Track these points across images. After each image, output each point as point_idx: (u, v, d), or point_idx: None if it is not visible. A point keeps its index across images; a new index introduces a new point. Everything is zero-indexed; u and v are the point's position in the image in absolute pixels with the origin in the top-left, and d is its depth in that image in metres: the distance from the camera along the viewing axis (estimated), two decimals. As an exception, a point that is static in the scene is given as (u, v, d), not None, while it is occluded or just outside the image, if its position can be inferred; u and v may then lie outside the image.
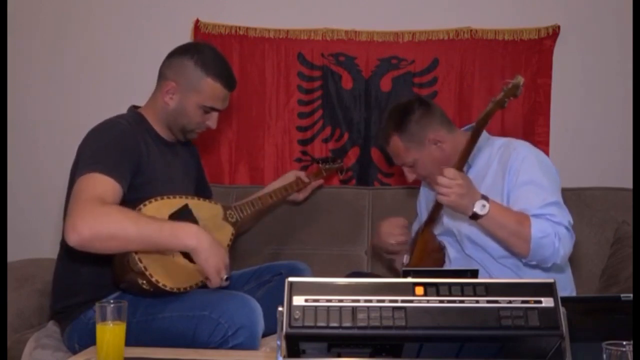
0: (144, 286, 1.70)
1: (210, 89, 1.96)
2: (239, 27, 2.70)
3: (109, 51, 2.74)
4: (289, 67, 2.69)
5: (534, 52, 2.60)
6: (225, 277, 1.77)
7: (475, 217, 1.82)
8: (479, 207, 1.80)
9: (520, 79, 1.76)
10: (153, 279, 1.69)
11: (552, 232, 1.82)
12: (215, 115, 2.02)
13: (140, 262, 1.69)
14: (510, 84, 1.77)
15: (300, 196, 2.42)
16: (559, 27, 2.59)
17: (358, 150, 2.69)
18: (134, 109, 2.02)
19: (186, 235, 1.72)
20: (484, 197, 1.82)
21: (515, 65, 2.61)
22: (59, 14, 2.77)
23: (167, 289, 1.72)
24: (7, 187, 2.34)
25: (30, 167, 2.76)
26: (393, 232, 2.17)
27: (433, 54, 2.64)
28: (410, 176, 2.12)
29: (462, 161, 1.90)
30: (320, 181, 2.49)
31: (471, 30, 2.62)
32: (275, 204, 2.35)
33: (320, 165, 2.56)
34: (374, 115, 2.67)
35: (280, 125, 2.70)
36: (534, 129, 2.58)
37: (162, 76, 1.99)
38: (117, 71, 2.73)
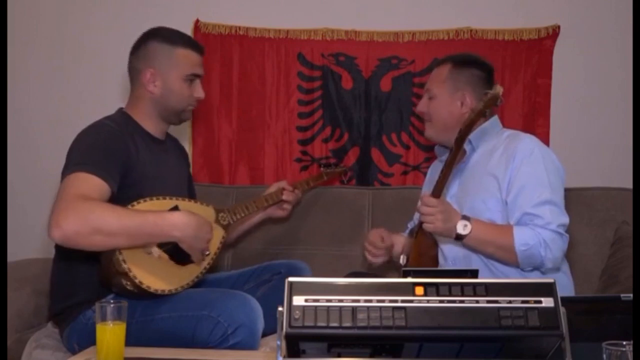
0: (128, 287, 1.69)
1: (184, 57, 1.96)
2: (239, 27, 2.70)
3: (109, 51, 2.74)
4: (289, 67, 2.70)
5: (534, 52, 2.61)
6: (207, 253, 1.84)
7: (459, 237, 1.84)
8: (461, 228, 1.82)
9: (499, 89, 1.79)
10: (137, 280, 1.68)
11: (537, 242, 1.82)
12: (198, 83, 2.01)
13: (125, 262, 1.67)
14: (489, 94, 1.79)
15: (283, 213, 2.33)
16: (559, 27, 2.59)
17: (358, 150, 2.69)
18: (122, 111, 2.01)
19: (169, 226, 1.72)
20: (465, 217, 1.84)
21: (515, 65, 2.61)
22: (59, 14, 2.77)
23: (151, 290, 1.71)
24: (7, 187, 2.34)
25: (30, 167, 2.76)
26: (372, 251, 2.14)
27: (433, 54, 2.64)
28: (422, 106, 2.11)
29: (447, 174, 1.89)
30: (299, 194, 2.36)
31: (471, 30, 2.63)
32: (270, 205, 2.29)
33: (322, 169, 2.55)
34: (374, 115, 2.68)
35: (280, 125, 2.71)
36: (534, 129, 2.57)
37: (135, 71, 1.98)
38: (117, 71, 2.70)
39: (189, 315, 1.71)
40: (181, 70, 1.95)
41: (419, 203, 1.88)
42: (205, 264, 1.88)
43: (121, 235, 1.66)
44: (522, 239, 1.83)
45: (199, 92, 2.00)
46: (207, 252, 1.85)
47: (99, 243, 1.66)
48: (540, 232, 1.83)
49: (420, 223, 2.06)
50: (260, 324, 1.73)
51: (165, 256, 1.77)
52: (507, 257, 1.86)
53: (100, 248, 1.69)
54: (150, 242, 1.74)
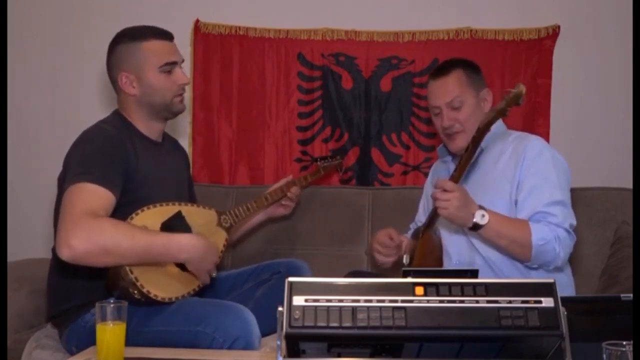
0: (136, 296, 1.70)
1: (152, 48, 1.90)
2: (239, 27, 2.70)
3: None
4: (289, 67, 2.70)
5: (534, 52, 2.60)
6: (213, 275, 1.86)
7: (475, 227, 1.82)
8: (479, 217, 1.80)
9: (522, 88, 1.75)
10: (144, 290, 1.69)
11: (552, 237, 1.82)
12: (178, 70, 1.94)
13: (132, 272, 1.68)
14: (512, 93, 1.77)
15: (285, 210, 2.35)
16: (559, 27, 2.59)
17: (358, 150, 2.69)
18: (117, 112, 1.98)
19: (178, 249, 1.74)
20: (482, 207, 1.82)
21: (515, 65, 2.61)
22: (60, 14, 2.77)
23: (159, 299, 1.72)
24: (8, 187, 2.34)
25: (30, 166, 2.76)
26: (382, 251, 2.14)
27: (433, 54, 2.64)
28: (447, 120, 2.02)
29: (461, 171, 1.89)
30: (298, 189, 2.35)
31: (471, 30, 2.62)
32: (271, 204, 2.30)
33: (318, 162, 2.55)
34: (374, 115, 2.68)
35: (280, 125, 2.71)
36: (534, 129, 2.57)
37: (113, 81, 1.95)
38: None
39: (185, 330, 1.71)
40: (153, 63, 1.90)
41: (434, 189, 1.84)
42: None
43: (130, 256, 1.67)
44: (540, 233, 1.82)
45: (181, 78, 1.94)
46: (214, 275, 1.86)
47: (107, 262, 1.68)
48: (554, 228, 1.84)
49: (428, 222, 2.06)
50: (256, 335, 1.73)
51: (172, 264, 1.79)
52: (520, 252, 1.85)
53: (108, 266, 1.70)
54: (158, 263, 1.75)
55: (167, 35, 1.95)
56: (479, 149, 2.03)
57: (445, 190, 1.80)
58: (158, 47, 1.91)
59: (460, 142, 2.02)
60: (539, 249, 1.82)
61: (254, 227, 2.38)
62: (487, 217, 1.80)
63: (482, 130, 1.84)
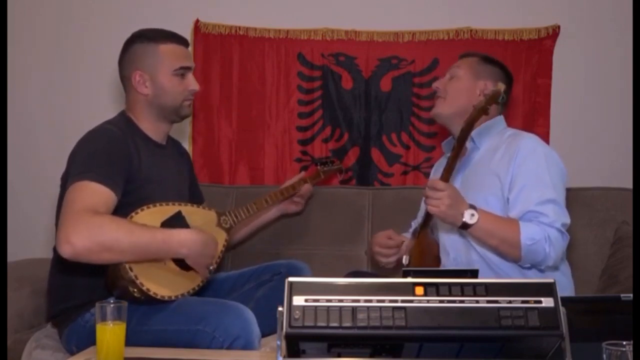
0: (135, 294, 1.70)
1: (169, 51, 1.94)
2: (239, 27, 2.70)
3: (109, 51, 2.73)
4: (289, 67, 2.70)
5: (534, 52, 2.60)
6: (211, 268, 1.86)
7: (465, 226, 1.82)
8: (468, 216, 1.81)
9: (501, 87, 1.79)
10: (144, 288, 1.69)
11: (542, 237, 1.82)
12: (191, 75, 1.98)
13: (131, 270, 1.68)
14: (491, 90, 1.79)
15: (297, 207, 2.39)
16: (559, 27, 2.59)
17: (358, 150, 2.69)
18: (123, 113, 2.00)
19: (178, 244, 1.75)
20: (472, 207, 1.82)
21: (515, 65, 2.60)
22: (60, 14, 2.77)
23: (158, 297, 1.72)
24: (8, 187, 2.34)
25: (30, 166, 2.76)
26: (383, 252, 2.15)
27: (433, 54, 2.64)
28: (439, 83, 2.13)
29: (450, 170, 1.90)
30: (309, 187, 2.39)
31: (471, 30, 2.63)
32: (271, 206, 2.32)
33: (318, 167, 2.55)
34: (374, 115, 2.68)
35: (280, 125, 2.71)
36: (534, 129, 2.57)
37: (125, 79, 1.98)
38: (117, 71, 2.72)
39: (184, 329, 1.71)
40: (168, 66, 1.93)
41: (426, 188, 1.85)
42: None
43: (130, 253, 1.68)
44: (529, 233, 1.82)
45: (192, 84, 1.98)
46: (212, 268, 1.87)
47: (108, 259, 1.68)
48: (545, 228, 1.83)
49: (423, 222, 2.07)
50: (256, 334, 1.73)
51: (172, 263, 1.80)
52: (510, 251, 1.85)
53: (108, 263, 1.70)
54: (158, 258, 1.76)
55: (183, 41, 2.00)
56: (471, 145, 2.03)
57: (436, 190, 1.81)
58: (174, 50, 1.95)
59: (437, 108, 2.10)
60: (528, 249, 1.82)
61: (267, 223, 2.39)
62: (476, 216, 1.81)
63: (466, 129, 1.86)
